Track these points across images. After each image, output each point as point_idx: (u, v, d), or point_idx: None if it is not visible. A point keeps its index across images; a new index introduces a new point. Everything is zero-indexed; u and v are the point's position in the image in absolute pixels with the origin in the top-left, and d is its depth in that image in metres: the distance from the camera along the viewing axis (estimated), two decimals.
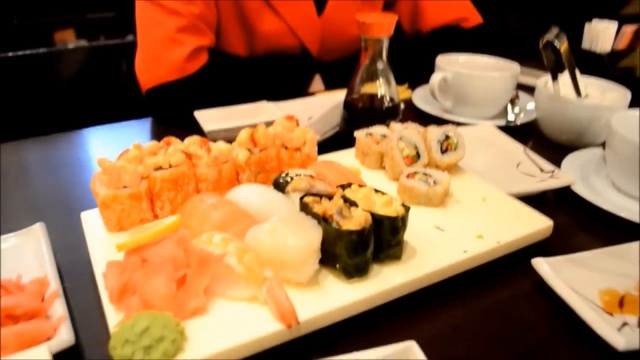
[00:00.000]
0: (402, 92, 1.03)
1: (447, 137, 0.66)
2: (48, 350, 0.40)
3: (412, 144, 0.64)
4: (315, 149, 0.63)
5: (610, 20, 1.07)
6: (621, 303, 0.48)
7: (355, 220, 0.45)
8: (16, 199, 0.69)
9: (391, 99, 0.77)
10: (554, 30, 0.77)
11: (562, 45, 0.77)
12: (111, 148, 0.86)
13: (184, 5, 0.92)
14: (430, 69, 0.97)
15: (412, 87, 1.06)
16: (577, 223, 0.64)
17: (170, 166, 0.55)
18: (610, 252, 0.54)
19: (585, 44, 1.07)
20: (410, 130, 0.65)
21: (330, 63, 1.10)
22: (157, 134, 0.92)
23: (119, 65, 1.53)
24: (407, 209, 0.48)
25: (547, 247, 0.56)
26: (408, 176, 0.60)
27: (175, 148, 0.55)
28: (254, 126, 0.62)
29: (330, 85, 1.12)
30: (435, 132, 0.65)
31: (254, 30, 1.03)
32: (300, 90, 1.06)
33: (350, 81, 0.78)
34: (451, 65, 0.91)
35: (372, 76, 0.76)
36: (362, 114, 0.77)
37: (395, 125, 0.69)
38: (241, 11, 1.01)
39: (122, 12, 3.36)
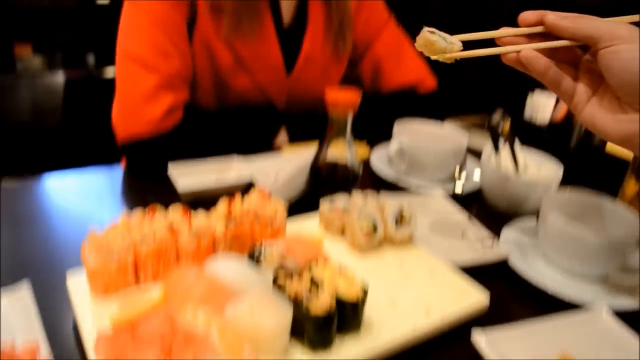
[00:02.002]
0: (361, 150, 1.12)
1: (401, 211, 0.74)
2: None
3: (371, 218, 0.72)
4: (285, 221, 0.70)
5: (550, 93, 1.20)
6: None
7: (322, 305, 0.52)
8: None
9: (352, 169, 0.85)
10: (498, 113, 0.87)
11: (505, 126, 0.88)
12: (84, 197, 0.90)
13: (163, 62, 0.97)
14: (388, 128, 1.07)
15: (371, 144, 1.15)
16: (513, 292, 0.74)
17: (155, 238, 0.61)
18: (539, 323, 0.63)
19: (527, 115, 1.19)
20: (369, 206, 0.73)
21: (295, 116, 1.18)
22: (129, 185, 0.97)
23: (86, 98, 1.56)
24: (365, 292, 0.56)
25: (485, 315, 0.65)
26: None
27: (160, 223, 0.61)
28: (229, 191, 0.69)
29: (295, 137, 1.19)
30: (391, 208, 0.73)
31: (226, 86, 1.09)
32: (266, 141, 1.12)
33: (317, 150, 0.86)
34: (407, 134, 1.00)
35: (336, 147, 0.84)
36: (325, 181, 0.85)
37: (356, 198, 0.77)
38: (215, 68, 1.07)
39: (82, 34, 3.35)
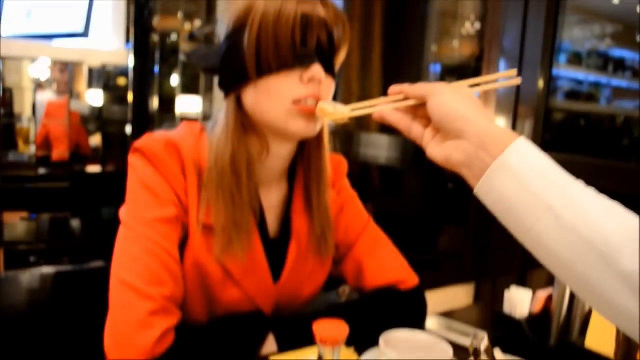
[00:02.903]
0: (349, 356, 1.14)
1: None
2: None
3: None
4: None
5: (526, 288, 1.26)
6: None
7: None
8: None
9: None
10: (480, 336, 0.92)
11: (485, 347, 0.92)
12: None
13: (156, 288, 1.02)
14: (374, 330, 1.10)
15: (359, 350, 1.17)
16: None
17: None
18: None
19: (506, 309, 1.24)
20: None
21: (283, 321, 1.21)
22: None
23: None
24: None
25: None
26: None
27: None
28: None
29: (284, 343, 1.21)
30: None
31: (216, 300, 1.14)
32: (254, 349, 1.14)
33: None
34: (393, 349, 1.03)
35: None
36: None
37: None
38: (205, 284, 1.12)
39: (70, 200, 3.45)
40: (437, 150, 0.83)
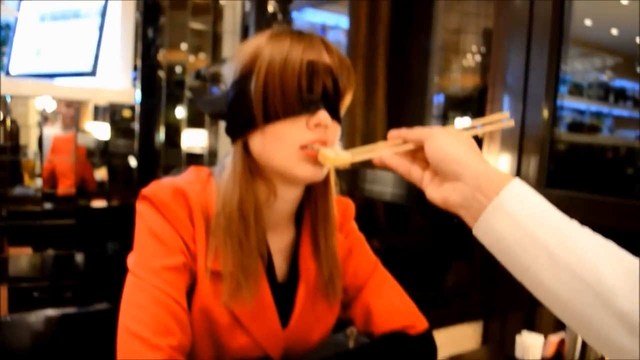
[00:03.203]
0: None
1: None
2: None
3: None
4: None
5: (538, 334, 1.24)
6: None
7: None
8: None
9: None
10: None
11: None
12: None
13: (164, 338, 1.00)
14: None
15: None
16: None
17: None
18: None
19: (518, 354, 1.22)
20: None
21: None
22: None
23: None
24: None
25: None
26: None
27: None
28: None
29: None
30: None
31: (223, 346, 1.12)
32: None
33: None
34: None
35: None
36: None
37: None
38: (213, 330, 1.11)
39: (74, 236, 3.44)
40: (435, 192, 0.85)
